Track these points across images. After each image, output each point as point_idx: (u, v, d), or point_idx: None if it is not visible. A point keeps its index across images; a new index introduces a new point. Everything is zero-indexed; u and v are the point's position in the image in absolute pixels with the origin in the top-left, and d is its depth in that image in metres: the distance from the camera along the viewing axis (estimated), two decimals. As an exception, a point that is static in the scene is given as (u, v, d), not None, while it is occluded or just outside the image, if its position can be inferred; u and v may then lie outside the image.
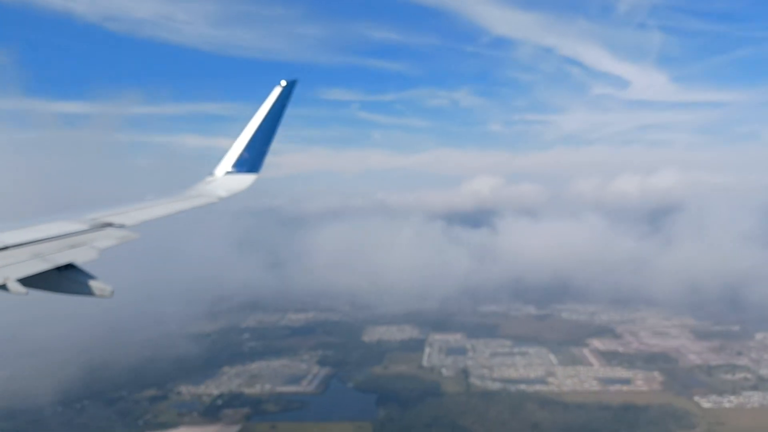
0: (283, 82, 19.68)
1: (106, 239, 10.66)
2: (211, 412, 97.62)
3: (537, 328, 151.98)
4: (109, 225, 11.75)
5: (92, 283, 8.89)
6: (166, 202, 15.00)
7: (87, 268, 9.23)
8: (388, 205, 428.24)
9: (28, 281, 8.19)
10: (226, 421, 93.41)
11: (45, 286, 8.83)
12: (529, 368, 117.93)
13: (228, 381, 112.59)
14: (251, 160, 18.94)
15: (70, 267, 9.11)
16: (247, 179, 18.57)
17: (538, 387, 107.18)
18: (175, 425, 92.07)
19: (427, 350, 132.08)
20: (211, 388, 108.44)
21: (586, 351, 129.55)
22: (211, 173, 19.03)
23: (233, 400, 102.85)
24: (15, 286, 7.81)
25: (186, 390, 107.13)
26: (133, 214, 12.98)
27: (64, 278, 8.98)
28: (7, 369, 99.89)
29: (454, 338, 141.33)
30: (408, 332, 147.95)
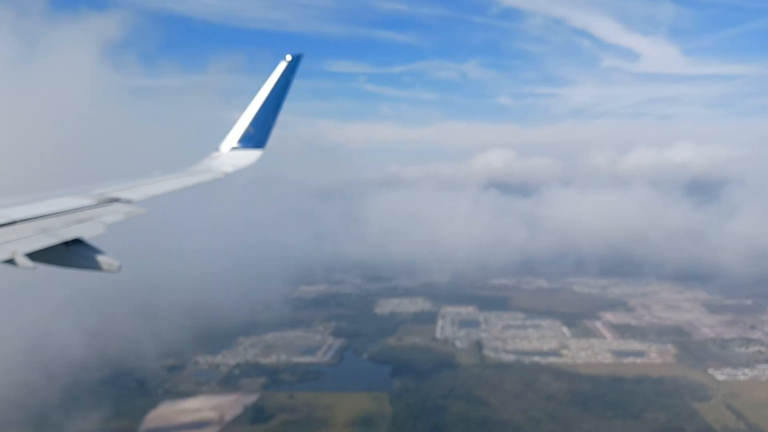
0: (289, 57, 19.40)
1: (113, 214, 10.69)
2: (229, 381, 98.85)
3: (548, 301, 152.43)
4: (116, 200, 11.74)
5: (100, 258, 8.91)
6: (172, 178, 15.02)
7: (95, 243, 9.21)
8: (403, 178, 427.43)
9: (35, 256, 8.22)
10: (244, 390, 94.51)
11: (52, 261, 8.81)
12: (542, 341, 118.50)
13: (244, 351, 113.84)
14: (257, 136, 18.81)
15: (77, 242, 9.10)
16: (253, 155, 18.43)
17: (551, 359, 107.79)
18: (194, 394, 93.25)
19: (439, 322, 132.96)
20: (227, 359, 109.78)
21: (598, 324, 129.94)
22: (216, 149, 18.85)
23: (250, 369, 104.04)
24: (23, 261, 7.83)
25: (203, 360, 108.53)
26: (139, 190, 13.03)
27: (72, 253, 8.98)
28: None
29: (466, 311, 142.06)
30: (420, 305, 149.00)
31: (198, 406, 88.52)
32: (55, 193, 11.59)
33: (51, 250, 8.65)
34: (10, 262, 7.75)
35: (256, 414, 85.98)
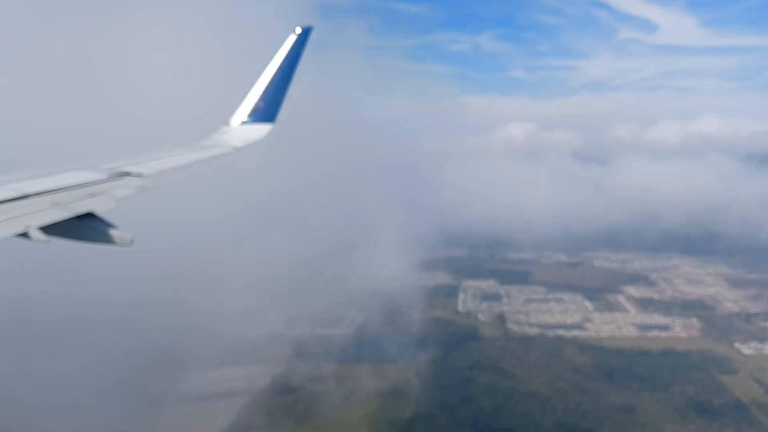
0: (298, 29, 19.05)
1: (124, 188, 10.86)
2: (254, 352, 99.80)
3: (569, 275, 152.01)
4: (127, 174, 11.86)
5: (112, 232, 9.10)
6: (182, 153, 15.12)
7: (107, 217, 9.44)
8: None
9: (48, 229, 8.33)
10: (270, 361, 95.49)
11: (65, 234, 8.98)
12: (565, 314, 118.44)
13: (266, 323, 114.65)
14: (267, 110, 18.61)
15: (89, 216, 9.27)
16: (263, 129, 18.30)
17: (575, 332, 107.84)
18: (223, 365, 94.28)
19: (461, 296, 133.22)
20: (251, 329, 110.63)
21: (621, 298, 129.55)
22: (226, 123, 18.67)
23: (274, 340, 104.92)
24: (36, 234, 7.95)
25: (227, 329, 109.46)
26: (150, 164, 13.13)
27: (84, 227, 9.15)
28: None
29: (487, 284, 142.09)
30: (440, 278, 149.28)
31: (225, 377, 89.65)
32: (66, 167, 11.71)
33: (64, 223, 8.81)
34: (24, 235, 7.86)
35: (283, 384, 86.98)
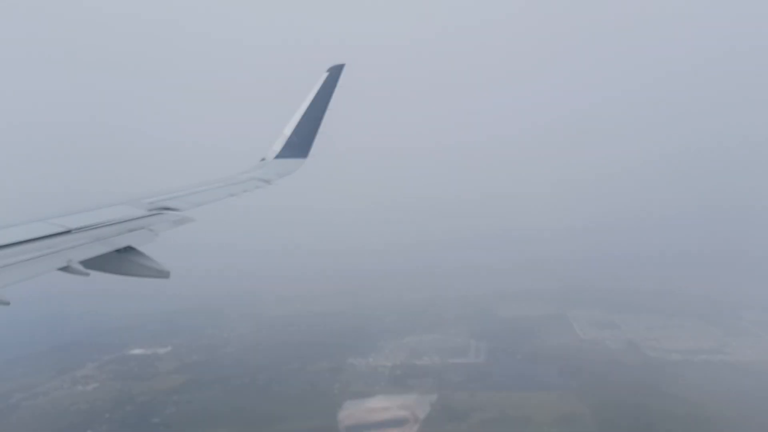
0: (330, 67, 19.89)
1: (163, 223, 11.24)
2: (397, 381, 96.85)
3: (671, 301, 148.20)
4: (166, 209, 12.26)
5: (150, 265, 9.48)
6: (218, 186, 15.62)
7: (146, 251, 9.77)
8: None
9: (89, 263, 8.58)
10: (419, 390, 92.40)
11: (106, 268, 9.26)
12: (696, 340, 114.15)
13: (391, 354, 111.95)
14: (299, 145, 19.18)
15: (129, 249, 9.58)
16: (295, 164, 18.87)
17: (719, 357, 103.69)
18: (370, 395, 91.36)
19: (574, 324, 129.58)
20: (379, 361, 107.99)
21: (743, 323, 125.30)
22: (262, 158, 19.40)
23: (410, 371, 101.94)
24: (77, 268, 8.12)
25: (358, 362, 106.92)
26: (187, 199, 13.61)
27: (124, 260, 9.49)
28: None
29: (595, 313, 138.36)
30: (542, 308, 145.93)
31: (383, 405, 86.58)
32: (107, 203, 12.20)
33: (104, 257, 9.07)
34: (66, 269, 8.03)
35: (447, 413, 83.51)
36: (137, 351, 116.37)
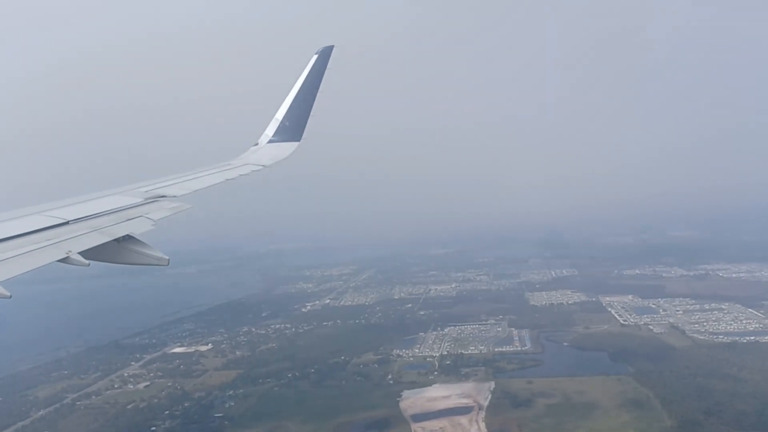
0: (320, 49, 19.47)
1: (160, 211, 11.14)
2: (450, 371, 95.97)
3: (704, 286, 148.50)
4: (162, 197, 12.14)
5: (149, 253, 9.43)
6: (214, 172, 15.50)
7: (144, 238, 9.69)
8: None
9: (88, 253, 8.50)
10: (474, 378, 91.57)
11: (105, 258, 9.22)
12: (738, 322, 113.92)
13: (435, 345, 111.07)
14: (292, 129, 19.10)
15: (127, 238, 9.51)
16: (289, 147, 18.86)
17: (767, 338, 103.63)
18: (422, 384, 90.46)
19: (611, 310, 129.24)
20: (425, 351, 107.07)
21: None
22: (255, 142, 19.36)
23: (460, 360, 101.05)
24: (77, 258, 8.06)
25: (403, 353, 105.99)
26: (183, 185, 13.48)
27: (123, 249, 9.43)
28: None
29: (628, 299, 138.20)
30: (573, 296, 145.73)
31: (443, 394, 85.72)
32: (104, 193, 12.09)
33: (103, 247, 9.02)
34: (65, 260, 7.97)
35: (510, 399, 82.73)
36: (178, 349, 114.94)
